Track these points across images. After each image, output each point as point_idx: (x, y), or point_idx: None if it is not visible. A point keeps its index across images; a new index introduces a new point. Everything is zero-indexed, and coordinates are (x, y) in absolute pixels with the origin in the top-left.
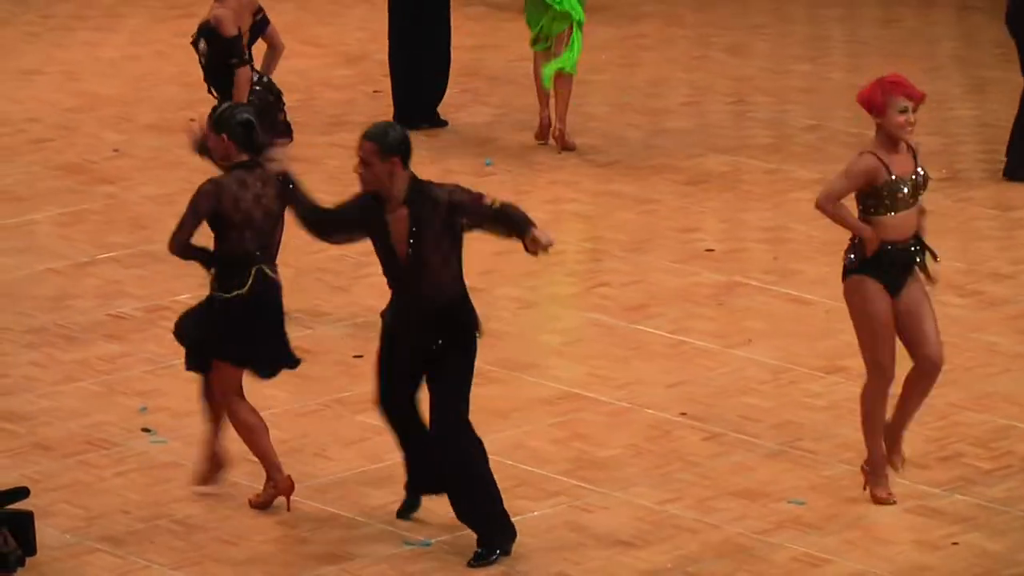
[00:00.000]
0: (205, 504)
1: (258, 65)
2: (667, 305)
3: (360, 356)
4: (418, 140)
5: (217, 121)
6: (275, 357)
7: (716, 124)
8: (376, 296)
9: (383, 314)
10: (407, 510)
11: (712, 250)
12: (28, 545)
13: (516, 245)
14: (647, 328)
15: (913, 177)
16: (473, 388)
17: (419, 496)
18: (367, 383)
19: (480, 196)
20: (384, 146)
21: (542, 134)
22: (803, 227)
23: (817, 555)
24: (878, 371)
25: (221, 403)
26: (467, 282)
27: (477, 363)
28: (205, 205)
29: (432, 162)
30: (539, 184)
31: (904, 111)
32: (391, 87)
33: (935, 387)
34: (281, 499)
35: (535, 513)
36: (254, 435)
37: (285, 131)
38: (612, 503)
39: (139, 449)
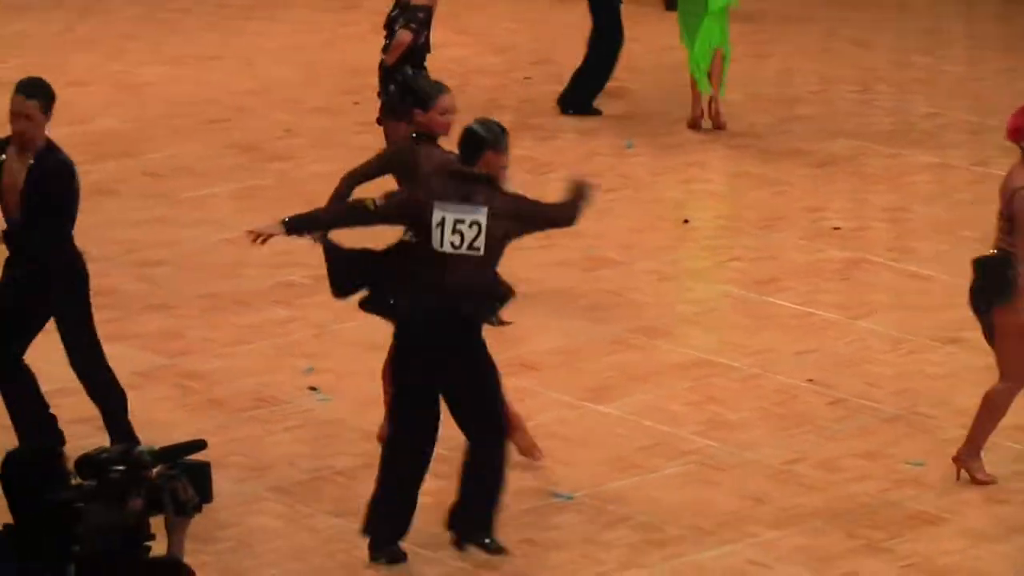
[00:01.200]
0: (365, 458)
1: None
2: (795, 279)
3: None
4: (566, 123)
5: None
6: None
7: (842, 112)
8: (524, 265)
9: (395, 308)
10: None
11: (838, 228)
12: (204, 493)
13: (654, 222)
14: (777, 300)
15: None
16: (615, 354)
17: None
18: (515, 347)
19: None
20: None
21: (695, 123)
22: (922, 208)
23: (935, 513)
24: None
25: None
26: (606, 254)
27: (619, 331)
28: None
29: (579, 144)
30: (675, 166)
31: None
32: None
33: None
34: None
35: (669, 471)
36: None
37: None
38: (741, 462)
39: (305, 407)
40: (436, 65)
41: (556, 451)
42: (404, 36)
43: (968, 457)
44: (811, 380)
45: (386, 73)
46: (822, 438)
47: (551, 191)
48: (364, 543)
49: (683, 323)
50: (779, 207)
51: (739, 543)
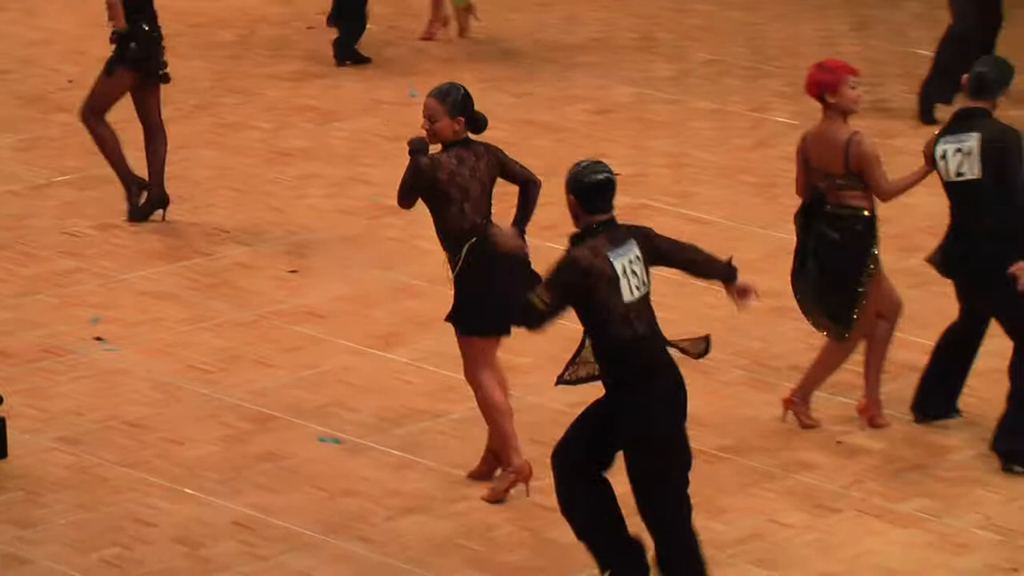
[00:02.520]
0: (153, 408)
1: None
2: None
3: (295, 271)
4: (351, 73)
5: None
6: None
7: (624, 59)
8: (309, 214)
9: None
10: None
11: (619, 174)
12: (1, 449)
13: None
14: (560, 246)
15: None
16: (400, 301)
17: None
18: (301, 296)
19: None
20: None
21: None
22: (701, 153)
23: (712, 452)
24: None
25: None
26: (392, 203)
27: (404, 278)
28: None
29: (364, 93)
30: None
31: (854, 87)
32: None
33: None
34: (520, 485)
35: (456, 415)
36: (500, 416)
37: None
38: (527, 405)
39: (92, 357)
40: (220, 14)
41: (344, 398)
42: None
43: (802, 402)
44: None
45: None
46: None
47: (334, 139)
48: (150, 487)
49: None
50: (562, 154)
51: (530, 483)
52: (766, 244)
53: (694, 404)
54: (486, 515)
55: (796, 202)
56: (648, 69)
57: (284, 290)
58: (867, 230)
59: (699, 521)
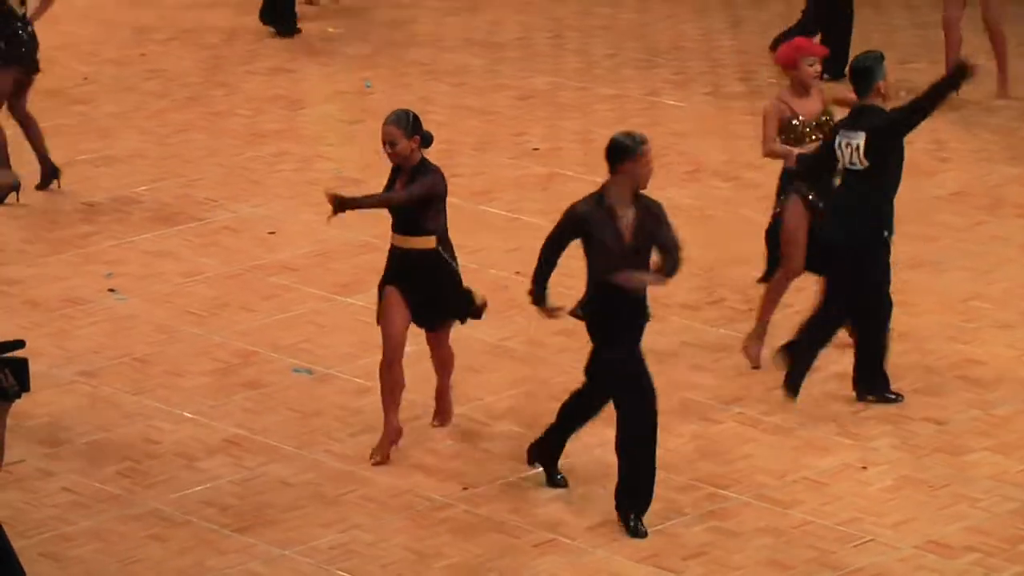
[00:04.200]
0: (156, 347)
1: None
2: (505, 191)
3: (272, 232)
4: (312, 66)
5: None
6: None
7: (540, 54)
8: (283, 185)
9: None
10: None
11: (537, 149)
12: (24, 383)
13: None
14: (490, 208)
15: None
16: (360, 255)
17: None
18: (277, 253)
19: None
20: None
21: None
22: (605, 131)
23: None
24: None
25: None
26: (352, 175)
27: (363, 236)
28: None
29: (324, 84)
30: (407, 101)
31: (812, 64)
32: None
33: (699, 248)
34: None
35: (407, 348)
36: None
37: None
38: (463, 337)
39: (107, 305)
40: (208, 22)
41: (314, 336)
42: None
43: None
44: (518, 272)
45: None
46: (528, 319)
47: (302, 123)
48: (155, 412)
49: None
50: (490, 133)
51: (466, 405)
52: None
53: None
54: (432, 431)
55: (683, 168)
56: (560, 62)
57: (263, 248)
58: (786, 181)
59: (602, 433)
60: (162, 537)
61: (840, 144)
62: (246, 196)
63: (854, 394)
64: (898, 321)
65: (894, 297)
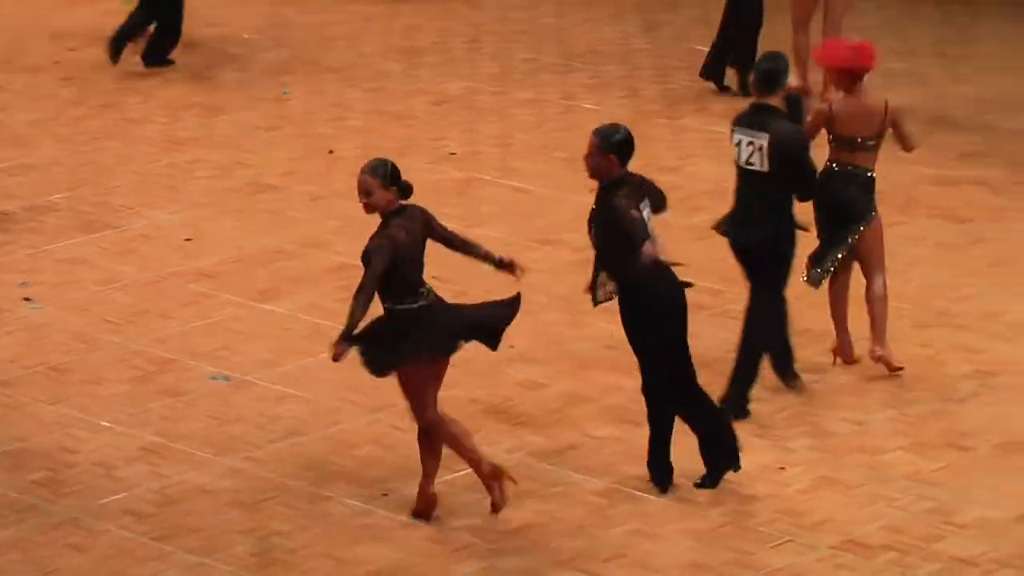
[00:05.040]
0: (74, 355)
1: None
2: (423, 197)
3: (189, 239)
4: (230, 72)
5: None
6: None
7: (457, 59)
8: (200, 192)
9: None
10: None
11: (455, 153)
12: None
13: (308, 153)
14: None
15: None
16: (278, 262)
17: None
18: (195, 260)
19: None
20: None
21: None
22: (522, 135)
23: (535, 380)
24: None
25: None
26: (269, 181)
27: (280, 242)
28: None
29: (243, 91)
30: (323, 107)
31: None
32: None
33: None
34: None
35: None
36: (462, 440)
37: None
38: None
39: (21, 314)
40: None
41: (232, 343)
42: None
43: (880, 347)
44: (436, 277)
45: None
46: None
47: (219, 130)
48: (72, 421)
49: (332, 235)
50: (408, 137)
51: (387, 410)
52: (575, 207)
53: (521, 342)
54: (351, 437)
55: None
56: (478, 67)
57: (180, 255)
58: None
59: (527, 436)
60: (81, 546)
61: (741, 142)
62: (163, 203)
63: (782, 383)
64: (814, 321)
65: (811, 297)
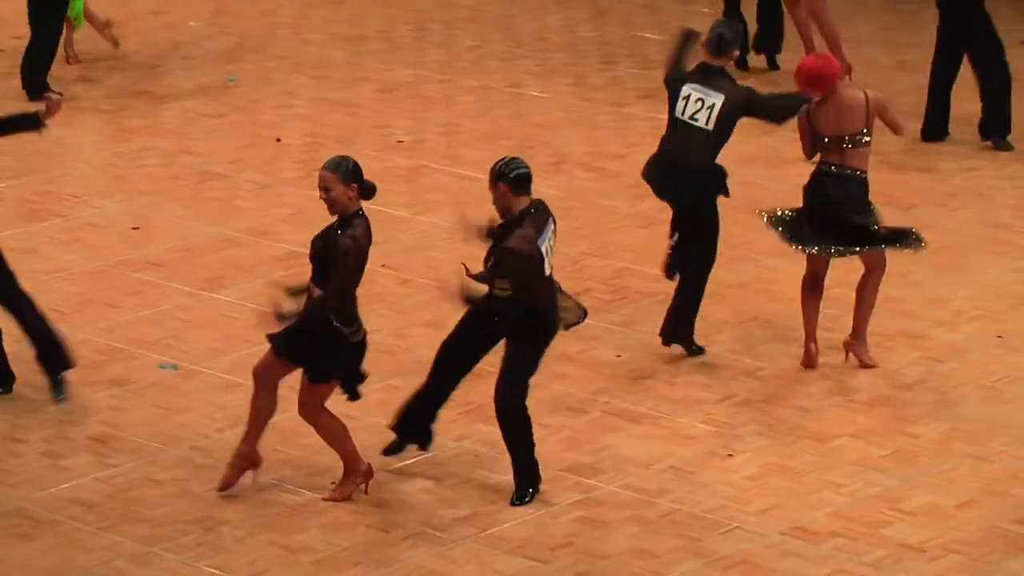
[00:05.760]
0: (19, 345)
1: None
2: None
3: (136, 228)
4: (174, 62)
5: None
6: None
7: (403, 46)
8: (147, 181)
9: None
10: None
11: (402, 141)
12: None
13: (254, 141)
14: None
15: None
16: (225, 251)
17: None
18: (142, 249)
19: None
20: None
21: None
22: (469, 123)
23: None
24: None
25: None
26: (215, 169)
27: (228, 231)
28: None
29: (188, 80)
30: (269, 95)
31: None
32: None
33: (564, 239)
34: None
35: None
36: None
37: None
38: None
39: None
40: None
41: (179, 332)
42: None
43: (857, 343)
44: (384, 265)
45: None
46: (394, 312)
47: (165, 118)
48: (18, 410)
49: (279, 223)
50: (354, 126)
51: (334, 399)
52: None
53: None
54: (298, 426)
55: (547, 159)
56: (423, 54)
57: (127, 244)
58: None
59: (476, 426)
60: (28, 536)
61: (689, 96)
62: (110, 192)
63: (660, 339)
64: (762, 308)
65: (758, 285)
